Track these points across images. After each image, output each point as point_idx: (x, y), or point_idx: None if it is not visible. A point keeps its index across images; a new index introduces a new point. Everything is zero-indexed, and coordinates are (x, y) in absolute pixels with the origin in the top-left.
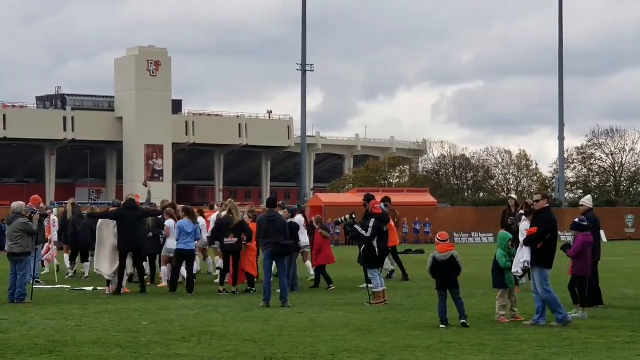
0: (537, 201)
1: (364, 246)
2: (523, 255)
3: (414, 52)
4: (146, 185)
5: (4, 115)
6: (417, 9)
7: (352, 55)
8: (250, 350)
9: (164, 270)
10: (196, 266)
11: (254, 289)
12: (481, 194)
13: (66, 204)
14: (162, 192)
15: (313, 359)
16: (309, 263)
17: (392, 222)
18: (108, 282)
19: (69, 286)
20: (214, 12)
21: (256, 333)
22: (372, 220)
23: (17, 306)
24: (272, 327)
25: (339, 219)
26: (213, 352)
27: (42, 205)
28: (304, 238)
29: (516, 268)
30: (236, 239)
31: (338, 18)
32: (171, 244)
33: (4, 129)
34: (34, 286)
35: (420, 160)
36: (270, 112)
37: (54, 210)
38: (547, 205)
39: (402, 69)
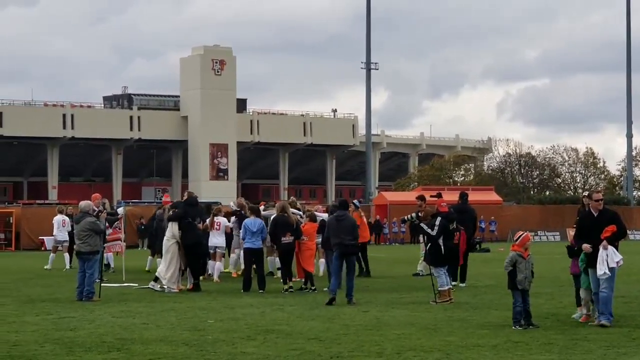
0: (600, 200)
1: (429, 245)
2: (615, 255)
3: (479, 50)
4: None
5: (72, 115)
6: (481, 5)
7: (416, 53)
8: (316, 349)
9: (211, 265)
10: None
11: (313, 287)
12: (547, 192)
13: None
14: (227, 190)
15: (379, 358)
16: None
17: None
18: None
19: (136, 284)
20: (279, 10)
21: (322, 331)
22: (438, 218)
23: (85, 304)
24: (337, 325)
25: (405, 217)
26: (279, 350)
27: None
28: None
29: (603, 269)
30: (292, 237)
31: (403, 16)
32: (214, 241)
33: (72, 128)
34: (102, 284)
35: (485, 158)
36: (334, 111)
37: (121, 209)
38: None
39: (466, 66)
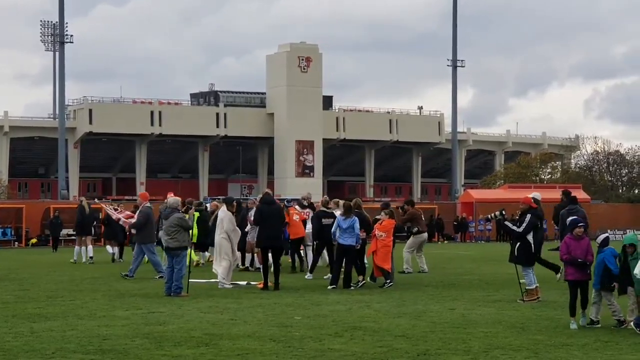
0: None
1: (519, 243)
2: None
3: (567, 47)
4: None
5: (160, 112)
6: (568, 2)
7: (503, 51)
8: (403, 346)
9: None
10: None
11: (389, 281)
12: (636, 191)
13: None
14: (313, 187)
15: (466, 356)
16: None
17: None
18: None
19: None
20: (365, 8)
21: (408, 329)
22: (528, 215)
23: (174, 299)
24: (424, 323)
25: (490, 215)
26: (366, 347)
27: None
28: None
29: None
30: (365, 233)
31: (489, 13)
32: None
33: (160, 125)
34: (190, 280)
35: (572, 156)
36: (420, 108)
37: (207, 205)
38: None
39: (554, 64)
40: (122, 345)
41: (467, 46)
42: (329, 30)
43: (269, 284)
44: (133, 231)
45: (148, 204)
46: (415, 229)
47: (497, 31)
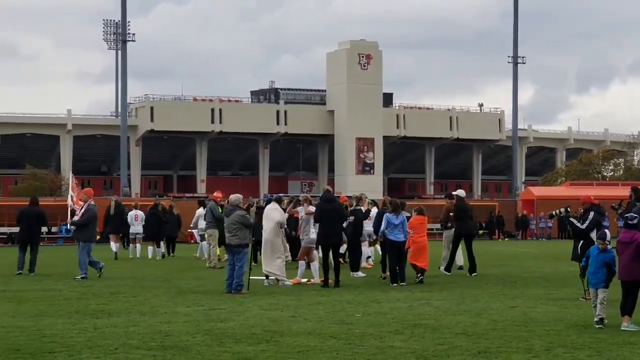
0: None
1: (582, 242)
2: None
3: (629, 42)
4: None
5: (220, 110)
6: None
7: (564, 47)
8: (463, 344)
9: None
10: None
11: (420, 276)
12: None
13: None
14: (373, 185)
15: (527, 354)
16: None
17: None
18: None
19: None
20: (425, 5)
21: (469, 326)
22: (591, 213)
23: (234, 296)
24: (485, 320)
25: (554, 212)
26: (426, 344)
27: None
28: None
29: None
30: None
31: (550, 9)
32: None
33: (220, 123)
34: (250, 277)
35: (635, 153)
36: (481, 105)
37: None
38: None
39: (616, 60)
40: (183, 342)
41: (527, 43)
42: (388, 28)
43: (329, 281)
44: (73, 227)
45: (93, 202)
46: (449, 224)
47: (556, 27)
